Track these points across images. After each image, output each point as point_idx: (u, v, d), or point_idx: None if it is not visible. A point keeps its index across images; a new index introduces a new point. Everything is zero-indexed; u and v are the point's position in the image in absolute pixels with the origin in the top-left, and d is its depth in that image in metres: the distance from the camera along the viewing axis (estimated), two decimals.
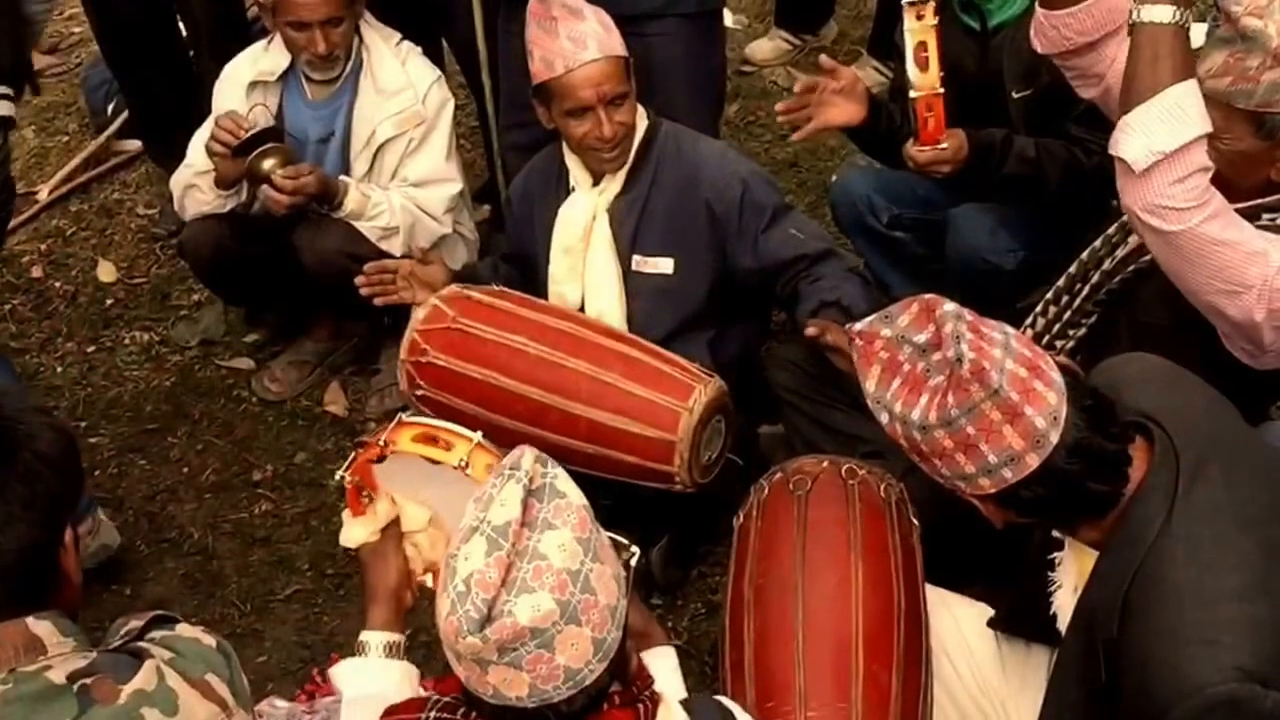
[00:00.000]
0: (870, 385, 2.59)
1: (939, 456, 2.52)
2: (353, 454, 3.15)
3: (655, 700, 2.42)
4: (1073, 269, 3.54)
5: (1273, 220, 3.19)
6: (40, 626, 2.26)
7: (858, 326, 2.63)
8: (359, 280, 4.23)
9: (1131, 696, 2.48)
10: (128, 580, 4.48)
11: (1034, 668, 3.07)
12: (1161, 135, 3.02)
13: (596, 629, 2.27)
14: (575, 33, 3.84)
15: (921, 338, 2.52)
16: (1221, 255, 3.06)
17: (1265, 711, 2.36)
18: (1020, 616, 3.07)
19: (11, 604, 2.26)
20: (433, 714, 2.40)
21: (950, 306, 2.52)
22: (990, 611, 3.19)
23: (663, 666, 2.91)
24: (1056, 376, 2.49)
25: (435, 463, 2.99)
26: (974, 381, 2.43)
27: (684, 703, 2.52)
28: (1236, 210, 3.17)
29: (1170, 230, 3.07)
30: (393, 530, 3.06)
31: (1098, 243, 3.46)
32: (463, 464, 2.96)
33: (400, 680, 2.89)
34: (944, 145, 4.01)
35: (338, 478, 3.19)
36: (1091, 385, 2.59)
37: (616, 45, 3.89)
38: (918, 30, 3.86)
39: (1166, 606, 2.45)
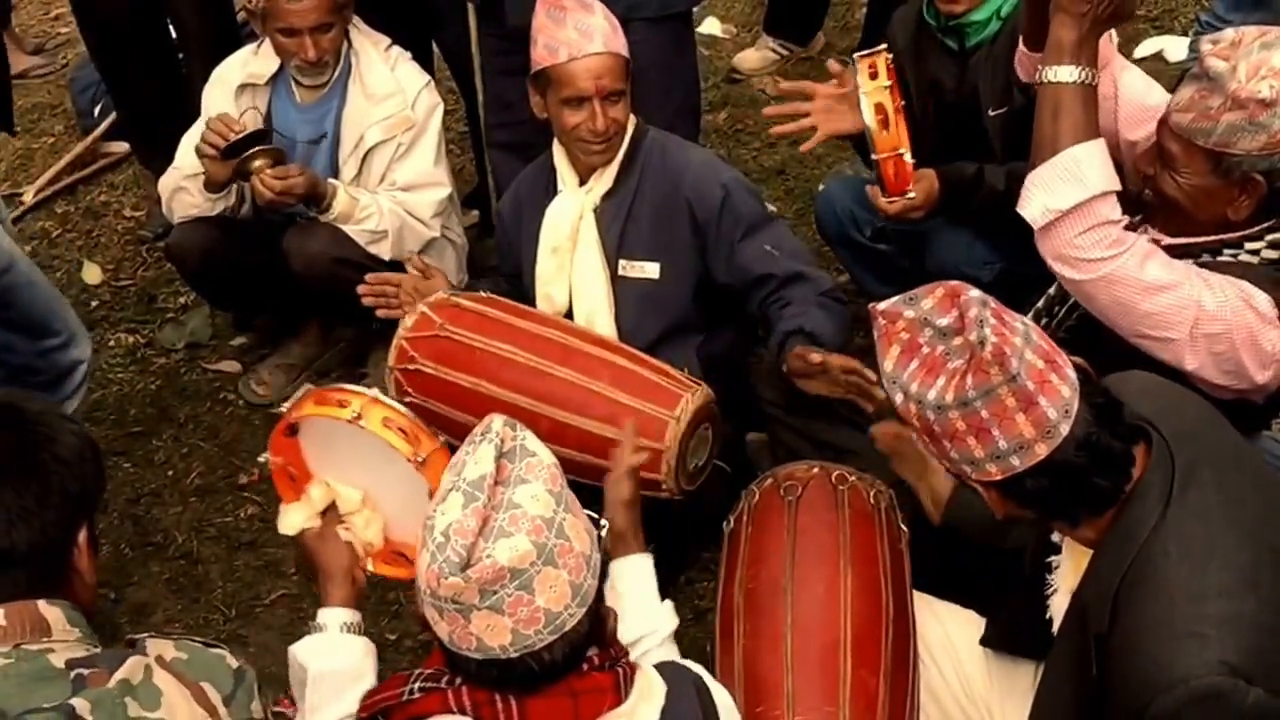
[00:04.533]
0: (888, 365, 2.60)
1: (950, 438, 2.53)
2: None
3: (633, 666, 2.50)
4: (1040, 304, 3.60)
5: (1235, 255, 3.25)
6: (50, 611, 2.37)
7: (881, 306, 2.63)
8: (361, 290, 4.18)
9: (1118, 688, 2.51)
10: (111, 584, 4.47)
11: (1021, 675, 3.09)
12: (1059, 194, 3.22)
13: (573, 573, 2.36)
14: (583, 25, 3.87)
15: (944, 321, 2.53)
16: (1144, 302, 3.18)
17: (1246, 706, 2.39)
18: (1013, 630, 3.09)
19: (24, 594, 2.37)
20: (416, 685, 2.45)
21: (975, 293, 2.54)
22: (977, 619, 3.21)
23: (638, 570, 3.08)
24: (1071, 372, 2.51)
25: (334, 420, 3.13)
26: (994, 365, 2.45)
27: (658, 668, 2.59)
28: (1195, 245, 3.28)
29: (1083, 279, 3.23)
30: (331, 515, 3.17)
31: None
32: (355, 417, 3.11)
33: (362, 655, 2.94)
34: (912, 194, 4.07)
35: (260, 460, 3.25)
36: (1103, 385, 2.62)
37: (620, 45, 3.92)
38: (872, 92, 3.91)
39: (1156, 601, 2.48)
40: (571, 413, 3.64)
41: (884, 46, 4.08)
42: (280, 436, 3.24)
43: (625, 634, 2.94)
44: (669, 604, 3.07)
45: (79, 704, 2.24)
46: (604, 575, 2.47)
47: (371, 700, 2.52)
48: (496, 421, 2.43)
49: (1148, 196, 3.33)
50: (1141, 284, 3.17)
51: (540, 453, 2.42)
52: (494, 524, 2.31)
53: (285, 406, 3.19)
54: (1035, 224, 3.25)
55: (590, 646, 2.43)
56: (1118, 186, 3.25)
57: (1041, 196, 3.24)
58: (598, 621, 2.44)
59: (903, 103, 4.10)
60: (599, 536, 2.51)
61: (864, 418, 3.66)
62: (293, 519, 3.16)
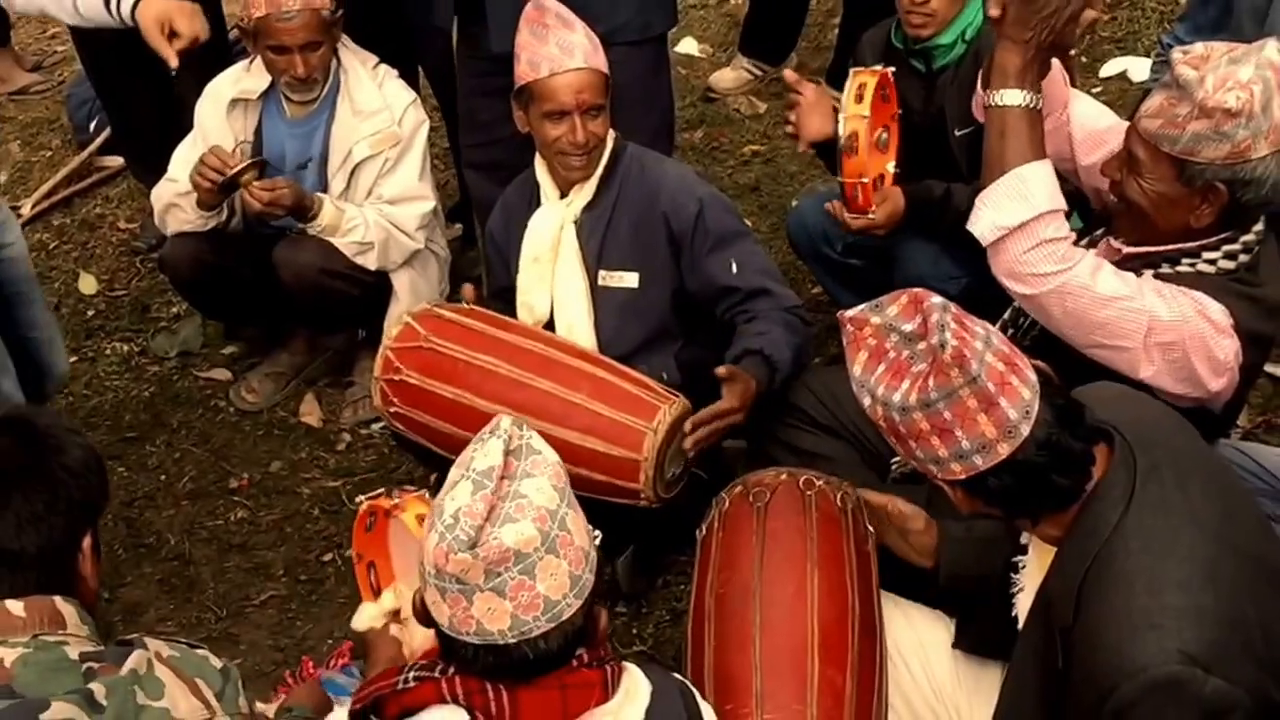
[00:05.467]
0: (856, 370, 2.65)
1: (915, 439, 2.59)
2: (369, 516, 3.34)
3: (620, 666, 2.54)
4: (1006, 315, 3.64)
5: (1192, 265, 3.30)
6: (65, 607, 2.49)
7: (849, 313, 2.68)
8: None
9: (1081, 679, 2.56)
10: (105, 584, 4.48)
11: (989, 674, 3.13)
12: (1007, 211, 3.27)
13: (574, 565, 2.40)
14: (565, 41, 3.94)
15: (908, 326, 2.59)
16: (1097, 312, 3.23)
17: (1205, 694, 2.44)
18: (982, 631, 3.13)
19: (34, 592, 2.49)
20: (410, 674, 2.48)
21: (937, 299, 2.59)
22: (946, 619, 3.26)
23: None
24: (1031, 375, 2.57)
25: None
26: (954, 367, 2.50)
27: (644, 671, 2.62)
28: (1155, 254, 3.32)
29: (1034, 293, 3.28)
30: (394, 617, 3.25)
31: None
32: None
33: None
34: (872, 215, 4.13)
35: (348, 554, 3.30)
36: (1064, 388, 2.66)
37: (600, 62, 3.99)
38: (851, 117, 3.97)
39: (1117, 592, 2.53)
40: (551, 423, 3.65)
41: (882, 66, 4.13)
42: (376, 531, 3.32)
43: None
44: None
45: (96, 688, 2.34)
46: (599, 573, 2.52)
47: (365, 691, 2.54)
48: (505, 420, 2.48)
49: (1112, 202, 3.39)
50: (1092, 294, 3.23)
51: (545, 451, 2.47)
52: (500, 511, 2.36)
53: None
54: (985, 240, 3.32)
55: (581, 643, 2.46)
56: (1063, 205, 3.30)
57: (990, 214, 3.30)
58: (590, 619, 2.48)
59: (898, 110, 4.18)
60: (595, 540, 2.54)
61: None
62: (366, 616, 3.26)
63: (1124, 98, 6.09)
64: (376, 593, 3.35)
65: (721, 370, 3.81)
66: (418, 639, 3.22)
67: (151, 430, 5.24)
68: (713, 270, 4.07)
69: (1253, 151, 3.11)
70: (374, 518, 3.29)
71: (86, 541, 2.59)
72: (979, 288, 4.03)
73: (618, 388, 3.79)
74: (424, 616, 2.50)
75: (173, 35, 4.28)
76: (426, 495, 3.26)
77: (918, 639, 3.26)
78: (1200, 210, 3.23)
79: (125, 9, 4.25)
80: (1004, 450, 2.54)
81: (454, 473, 2.46)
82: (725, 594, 3.16)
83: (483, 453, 2.43)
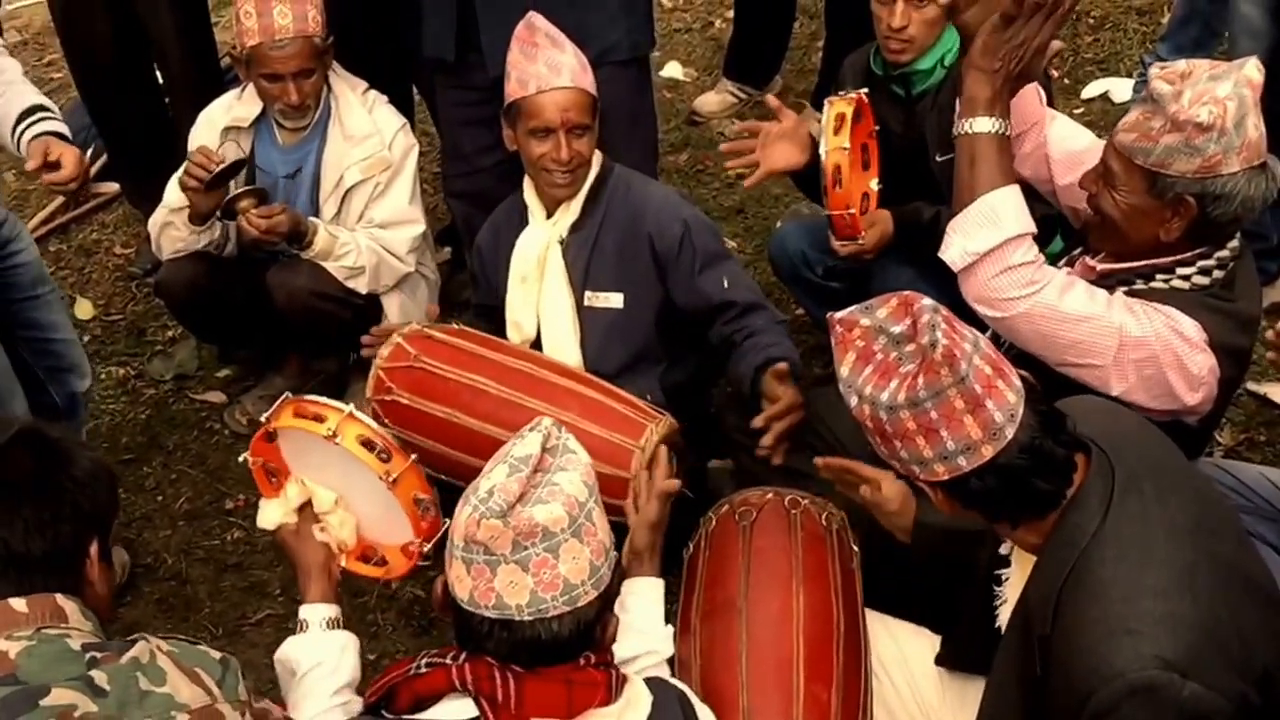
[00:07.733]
0: (844, 370, 2.65)
1: (901, 438, 2.59)
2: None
3: (625, 675, 2.61)
4: (989, 331, 3.59)
5: (1166, 281, 3.33)
6: (67, 604, 2.57)
7: (838, 315, 2.68)
8: (363, 340, 4.20)
9: (1060, 686, 2.56)
10: None
11: (972, 688, 3.11)
12: (976, 238, 3.31)
13: (595, 554, 2.50)
14: (553, 60, 4.00)
15: (898, 329, 2.59)
16: (1067, 332, 3.27)
17: (1182, 699, 2.44)
18: (966, 645, 3.14)
19: (39, 591, 2.56)
20: (423, 662, 2.55)
21: (928, 302, 2.60)
22: (929, 634, 3.29)
23: (649, 592, 3.15)
24: (1017, 381, 2.58)
25: (311, 435, 3.23)
26: (944, 366, 2.50)
27: (645, 682, 2.69)
28: (1129, 271, 3.36)
29: (1003, 316, 3.32)
30: (307, 512, 3.28)
31: None
32: (332, 434, 3.20)
33: (344, 645, 3.06)
34: (862, 240, 4.17)
35: (241, 459, 3.39)
36: (1046, 398, 2.66)
37: (588, 83, 4.04)
38: (832, 151, 3.99)
39: (1095, 600, 2.53)
40: None
41: (861, 91, 4.15)
42: (260, 441, 3.34)
43: (624, 650, 3.01)
44: (670, 629, 3.14)
45: (97, 675, 2.41)
46: (616, 578, 2.61)
47: (381, 682, 2.60)
48: (545, 420, 2.61)
49: (1088, 215, 3.40)
50: (1061, 315, 3.26)
51: (580, 452, 2.59)
52: (533, 495, 2.47)
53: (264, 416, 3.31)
54: (955, 266, 3.35)
55: (589, 645, 2.53)
56: (1032, 229, 3.33)
57: (960, 241, 3.34)
58: (600, 623, 2.55)
59: (875, 127, 4.21)
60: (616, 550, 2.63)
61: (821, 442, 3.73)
62: (270, 514, 3.26)
63: (1106, 118, 6.12)
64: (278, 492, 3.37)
65: (782, 367, 3.85)
66: (344, 531, 3.28)
67: (148, 452, 5.29)
68: (707, 288, 4.10)
69: (1223, 167, 3.15)
70: (275, 433, 3.33)
71: (94, 549, 2.67)
72: (952, 309, 4.10)
73: (606, 407, 3.81)
74: (444, 602, 2.57)
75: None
76: (354, 410, 3.32)
77: (902, 654, 3.29)
78: (1170, 223, 3.26)
79: (21, 143, 4.36)
80: (988, 452, 2.56)
81: (491, 461, 2.55)
82: (712, 611, 3.19)
83: (522, 444, 2.55)
